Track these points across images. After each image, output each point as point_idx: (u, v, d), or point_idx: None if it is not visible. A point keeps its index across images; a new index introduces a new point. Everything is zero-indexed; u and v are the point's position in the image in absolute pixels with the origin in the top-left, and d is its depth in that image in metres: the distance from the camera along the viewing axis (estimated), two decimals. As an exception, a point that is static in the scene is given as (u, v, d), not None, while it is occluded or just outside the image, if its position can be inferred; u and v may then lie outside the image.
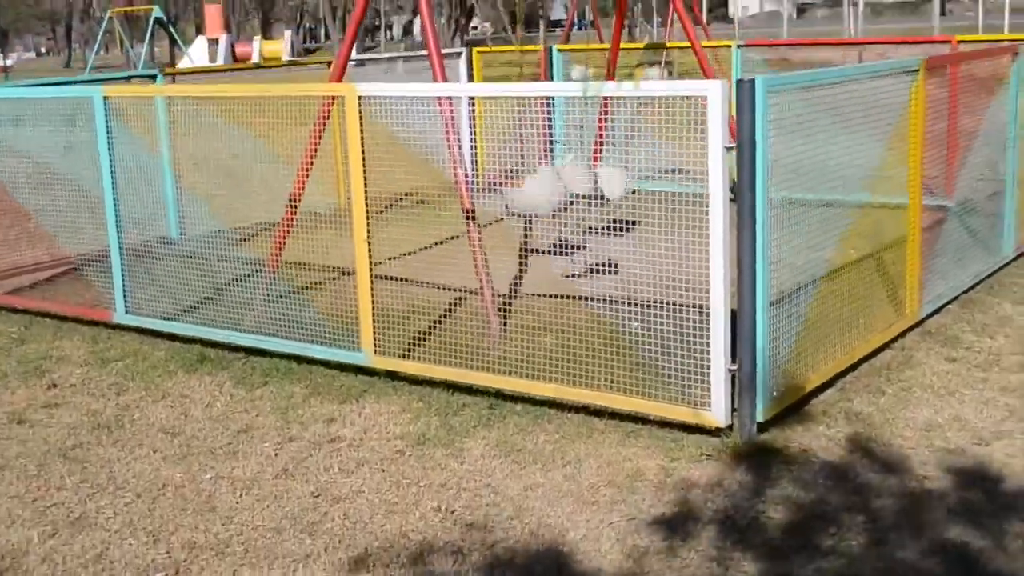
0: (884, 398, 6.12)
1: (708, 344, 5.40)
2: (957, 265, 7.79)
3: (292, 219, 8.17)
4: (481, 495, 5.17)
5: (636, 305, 6.21)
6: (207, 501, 5.23)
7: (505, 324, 7.23)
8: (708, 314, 5.38)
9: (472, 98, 9.54)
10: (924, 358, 6.73)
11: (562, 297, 7.23)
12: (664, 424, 5.75)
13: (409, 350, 6.77)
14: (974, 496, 4.97)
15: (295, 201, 8.03)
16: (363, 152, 6.30)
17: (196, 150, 8.85)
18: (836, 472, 5.24)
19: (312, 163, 8.03)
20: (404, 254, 7.90)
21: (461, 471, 5.42)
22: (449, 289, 7.95)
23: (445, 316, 7.58)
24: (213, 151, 8.97)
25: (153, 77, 9.97)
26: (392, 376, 6.68)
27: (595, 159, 10.89)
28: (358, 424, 6.07)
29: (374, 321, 6.51)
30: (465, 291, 7.89)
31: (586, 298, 6.66)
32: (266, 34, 62.85)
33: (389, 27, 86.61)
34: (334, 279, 8.36)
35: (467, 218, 7.41)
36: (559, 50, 12.57)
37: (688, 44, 10.72)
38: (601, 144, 11.03)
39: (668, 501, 5.03)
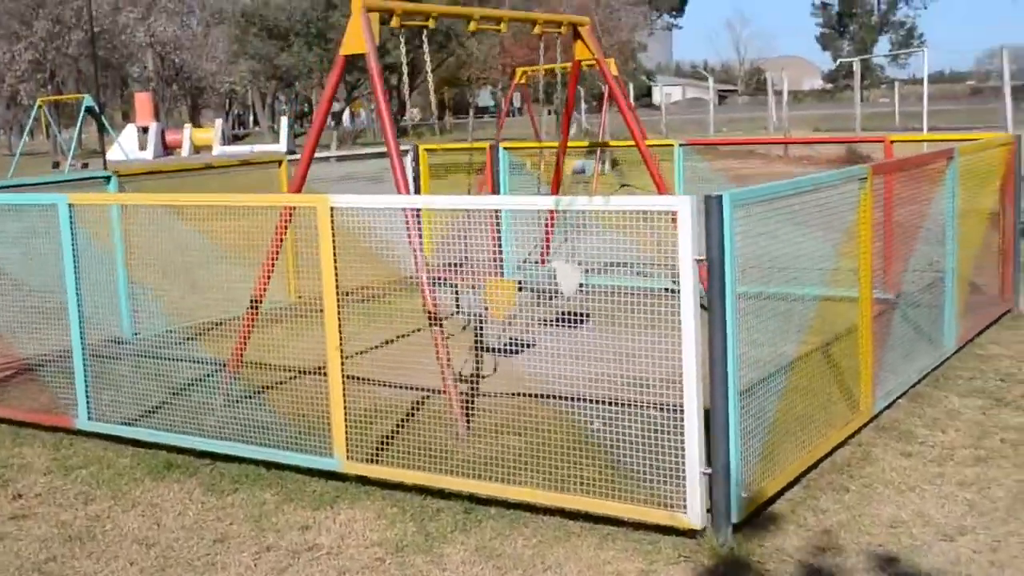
0: (848, 495, 6.25)
1: (683, 447, 5.49)
2: (905, 360, 8.01)
3: (253, 320, 8.18)
4: (468, 604, 5.19)
5: (605, 404, 6.32)
6: (192, 616, 5.19)
7: (469, 424, 7.28)
8: (681, 417, 5.47)
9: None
10: (881, 454, 6.89)
11: (528, 396, 7.28)
12: (639, 526, 5.81)
13: (379, 454, 6.78)
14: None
15: (257, 302, 8.06)
16: (335, 260, 6.35)
17: (155, 252, 8.88)
18: (816, 570, 5.34)
19: (273, 266, 8.08)
20: (365, 351, 7.97)
21: (444, 579, 5.44)
22: (414, 388, 7.99)
23: (412, 417, 7.62)
24: (171, 253, 8.99)
25: (107, 179, 9.97)
26: (362, 480, 6.67)
27: (542, 259, 11.07)
28: (334, 531, 6.04)
29: (346, 426, 6.52)
30: (430, 391, 7.94)
31: (555, 397, 6.74)
32: (195, 121, 62.80)
33: (307, 114, 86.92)
34: (296, 379, 8.38)
35: (430, 320, 7.47)
36: (504, 148, 12.77)
37: (632, 143, 10.93)
38: (548, 246, 11.23)
39: (652, 605, 5.09)
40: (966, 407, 7.77)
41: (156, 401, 8.10)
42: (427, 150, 13.28)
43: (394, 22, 8.19)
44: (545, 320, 9.41)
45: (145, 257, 9.18)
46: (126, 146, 44.65)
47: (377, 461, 6.68)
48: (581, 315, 8.52)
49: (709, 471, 5.50)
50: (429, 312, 7.48)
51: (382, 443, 6.98)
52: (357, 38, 7.84)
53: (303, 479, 6.79)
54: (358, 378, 7.62)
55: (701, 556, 5.48)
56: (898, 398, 7.83)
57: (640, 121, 11.01)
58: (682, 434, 5.49)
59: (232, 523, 6.23)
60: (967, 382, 8.38)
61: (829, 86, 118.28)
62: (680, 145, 11.87)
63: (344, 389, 6.52)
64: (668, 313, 5.61)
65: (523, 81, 24.38)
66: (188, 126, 53.19)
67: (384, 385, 7.85)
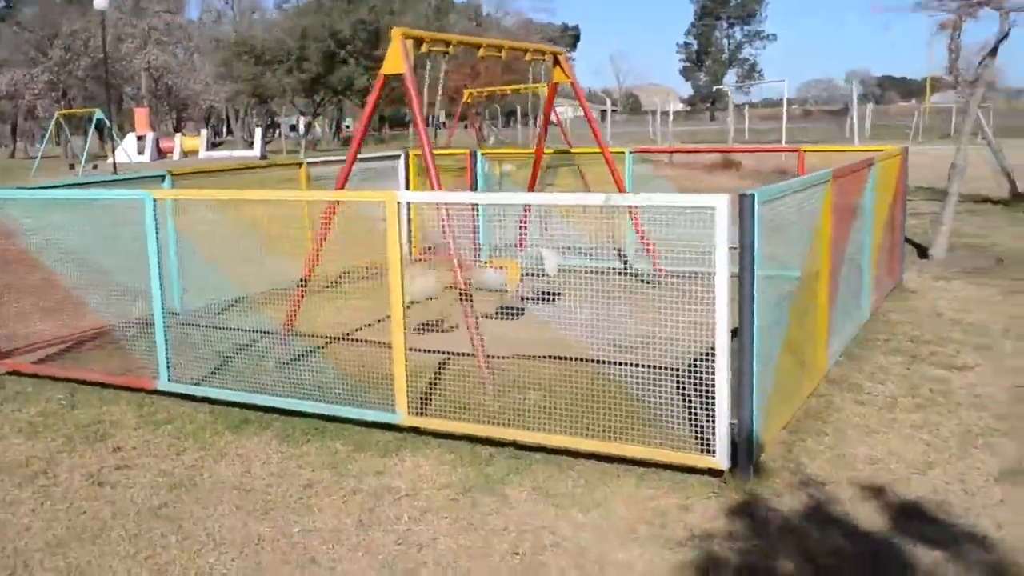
0: (827, 437, 6.02)
1: (714, 402, 5.20)
2: (842, 327, 7.83)
3: (303, 295, 7.72)
4: (541, 536, 4.83)
5: (647, 368, 6.05)
6: (305, 553, 4.74)
7: (494, 381, 6.94)
8: (714, 377, 5.18)
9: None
10: (840, 403, 6.69)
11: (577, 360, 6.93)
12: (668, 467, 5.52)
13: (431, 408, 6.39)
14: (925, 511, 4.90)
15: (306, 280, 7.61)
16: (400, 246, 5.93)
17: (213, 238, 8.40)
18: (823, 504, 5.09)
19: (322, 247, 7.62)
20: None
21: (514, 515, 5.06)
22: (446, 352, 7.63)
23: (455, 376, 7.20)
24: (225, 238, 8.51)
25: (162, 177, 9.35)
26: (416, 431, 6.27)
27: (520, 246, 10.74)
28: (405, 476, 5.64)
29: (407, 384, 6.11)
30: (459, 354, 7.56)
31: (602, 361, 6.43)
32: (178, 131, 61.32)
33: (277, 126, 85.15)
34: (346, 344, 7.97)
35: (461, 295, 7.08)
36: (483, 154, 12.35)
37: (597, 150, 10.60)
38: (524, 236, 10.89)
39: (699, 532, 4.79)
40: (892, 363, 7.62)
41: (226, 364, 7.61)
42: (415, 154, 12.77)
43: (423, 47, 7.77)
44: (526, 298, 9.16)
45: (203, 242, 8.66)
46: (128, 151, 43.15)
47: (426, 413, 6.28)
48: (554, 294, 8.27)
49: (735, 421, 5.22)
50: (460, 288, 7.08)
51: (428, 399, 6.60)
52: (396, 60, 7.39)
53: (365, 431, 6.35)
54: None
55: (729, 492, 5.20)
56: (839, 358, 7.65)
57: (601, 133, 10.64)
58: (713, 391, 5.20)
59: (314, 470, 5.78)
60: (884, 343, 8.24)
61: (689, 108, 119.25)
62: (630, 152, 11.56)
63: (406, 352, 6.10)
64: (700, 292, 5.33)
65: (467, 100, 23.90)
66: (179, 135, 51.75)
67: (418, 351, 7.44)
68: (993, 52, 12.18)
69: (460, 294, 7.09)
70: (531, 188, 10.93)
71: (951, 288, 10.64)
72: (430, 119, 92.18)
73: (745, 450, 5.22)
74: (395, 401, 6.13)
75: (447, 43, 8.07)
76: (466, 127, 42.43)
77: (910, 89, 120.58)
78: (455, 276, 7.09)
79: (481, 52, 8.66)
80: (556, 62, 9.99)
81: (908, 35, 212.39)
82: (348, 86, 33.54)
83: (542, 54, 9.75)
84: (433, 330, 8.26)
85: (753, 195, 4.99)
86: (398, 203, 5.85)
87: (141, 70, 55.41)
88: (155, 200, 6.78)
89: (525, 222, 10.99)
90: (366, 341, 8.07)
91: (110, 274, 8.30)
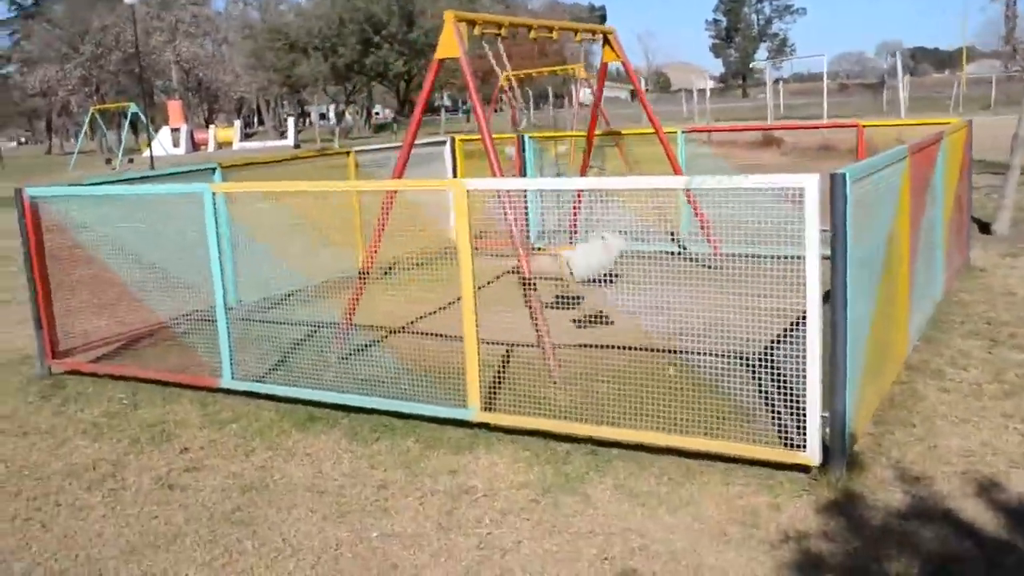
0: (916, 429, 5.78)
1: (805, 393, 4.98)
2: (919, 310, 7.55)
3: (362, 289, 7.57)
4: (630, 539, 4.64)
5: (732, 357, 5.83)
6: (385, 559, 4.58)
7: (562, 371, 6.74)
8: (803, 367, 4.96)
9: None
10: (924, 391, 6.43)
11: (653, 351, 6.74)
12: (750, 463, 5.31)
13: (503, 404, 6.21)
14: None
15: (366, 273, 7.46)
16: (469, 235, 5.74)
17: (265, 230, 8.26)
18: (921, 501, 4.86)
19: (380, 242, 7.45)
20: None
21: (599, 517, 4.88)
22: (506, 343, 7.44)
23: (520, 368, 7.02)
24: (278, 230, 8.39)
25: (213, 170, 9.24)
26: (486, 427, 6.09)
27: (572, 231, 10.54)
28: (481, 475, 5.47)
29: (480, 380, 5.93)
30: (521, 344, 7.38)
31: (681, 352, 6.22)
32: (209, 124, 61.73)
33: (308, 115, 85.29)
34: (412, 338, 7.82)
35: (524, 284, 6.90)
36: (529, 137, 12.13)
37: (651, 130, 10.35)
38: (575, 224, 10.70)
39: (794, 535, 4.58)
40: (972, 347, 7.34)
41: (286, 359, 7.48)
42: (462, 140, 12.59)
43: (476, 30, 7.56)
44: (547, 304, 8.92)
45: (256, 234, 8.50)
46: (164, 144, 43.34)
47: (494, 409, 6.09)
48: (577, 298, 8.06)
49: (827, 414, 5.00)
50: (525, 278, 6.89)
51: (495, 393, 6.42)
52: (450, 44, 7.19)
53: (435, 427, 6.19)
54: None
55: (820, 489, 4.98)
56: (916, 342, 7.39)
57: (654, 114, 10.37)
58: (803, 382, 4.98)
59: (386, 470, 5.63)
60: (961, 325, 7.96)
61: (721, 86, 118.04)
62: (683, 132, 11.28)
63: (479, 349, 5.92)
64: (787, 277, 5.10)
65: (503, 84, 23.63)
66: (212, 127, 51.94)
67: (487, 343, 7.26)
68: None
69: (523, 282, 6.90)
70: (582, 171, 10.70)
71: (1020, 265, 10.30)
72: (457, 104, 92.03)
73: (838, 445, 5.00)
74: (467, 396, 5.96)
75: (499, 25, 7.86)
76: (497, 111, 42.16)
77: (942, 60, 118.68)
78: (521, 263, 6.90)
79: (532, 34, 8.44)
80: (606, 41, 9.75)
81: (939, 5, 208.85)
82: (384, 71, 33.35)
83: (592, 34, 9.51)
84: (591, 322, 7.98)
85: (844, 174, 4.75)
86: (466, 191, 5.64)
87: (171, 63, 55.58)
88: (214, 193, 6.62)
89: (577, 207, 10.79)
90: (427, 334, 7.93)
91: (166, 269, 8.21)
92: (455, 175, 12.36)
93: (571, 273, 8.16)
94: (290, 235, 8.98)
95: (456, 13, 7.26)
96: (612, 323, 7.29)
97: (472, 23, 7.50)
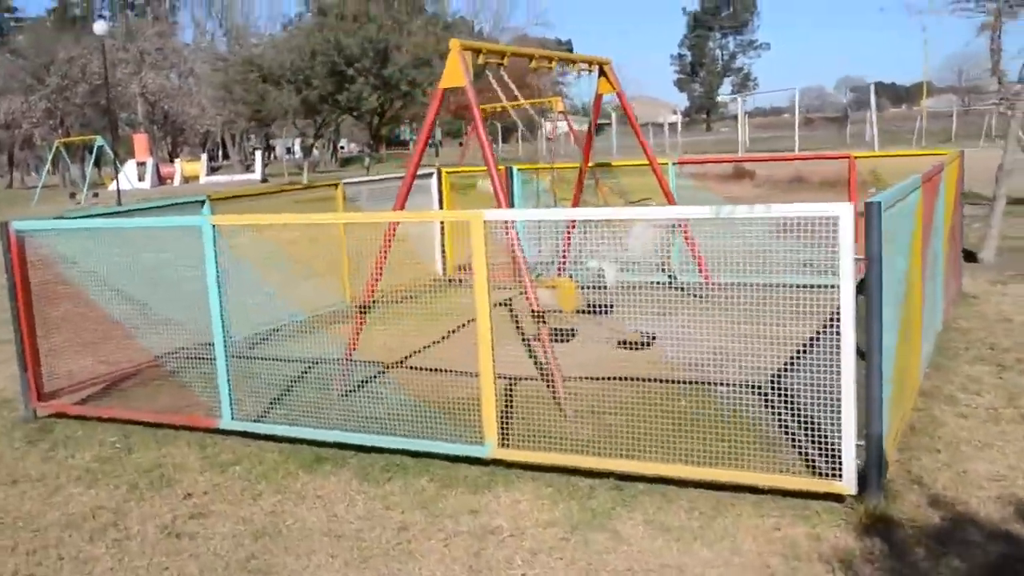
0: (941, 454, 5.70)
1: (840, 423, 4.88)
2: (927, 335, 7.52)
3: (361, 325, 7.40)
4: (669, 576, 4.50)
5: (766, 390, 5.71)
6: (418, 605, 4.40)
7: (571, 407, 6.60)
8: (839, 396, 4.86)
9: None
10: (942, 417, 6.37)
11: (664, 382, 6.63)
12: (781, 493, 5.19)
13: (515, 438, 6.04)
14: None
15: (367, 304, 7.30)
16: (486, 266, 5.61)
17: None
18: (961, 526, 4.76)
19: (381, 273, 7.30)
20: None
21: (633, 554, 4.73)
22: (508, 377, 7.30)
23: (528, 402, 6.88)
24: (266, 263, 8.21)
25: (201, 203, 9.05)
26: (501, 463, 5.92)
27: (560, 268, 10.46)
28: (503, 514, 5.29)
29: (497, 415, 5.77)
30: (526, 378, 7.25)
31: (709, 383, 6.10)
32: (173, 158, 61.35)
33: (273, 149, 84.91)
34: (417, 373, 7.65)
35: (536, 318, 6.77)
36: (518, 169, 12.05)
37: (640, 162, 10.30)
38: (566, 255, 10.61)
39: (839, 565, 4.45)
40: (980, 373, 7.31)
41: (286, 397, 7.28)
42: (448, 172, 12.47)
43: (480, 59, 7.48)
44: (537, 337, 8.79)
45: (245, 267, 8.33)
46: (129, 178, 42.88)
47: (508, 444, 5.92)
48: (571, 331, 7.97)
49: (863, 442, 4.90)
50: (534, 310, 6.76)
51: (506, 428, 6.24)
52: (455, 73, 7.10)
53: (449, 465, 6.00)
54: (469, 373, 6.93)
55: (858, 518, 4.87)
56: (925, 369, 7.34)
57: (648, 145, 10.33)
58: (838, 411, 4.88)
59: (403, 511, 5.43)
60: (965, 351, 7.93)
61: (686, 119, 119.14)
62: (673, 164, 11.25)
63: (495, 383, 5.77)
64: (818, 305, 5.02)
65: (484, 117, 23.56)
66: (179, 160, 51.54)
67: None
68: (1036, 49, 11.91)
69: (534, 314, 6.78)
70: (575, 203, 10.62)
71: (1010, 292, 10.35)
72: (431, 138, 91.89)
73: (875, 473, 4.90)
74: (483, 433, 5.80)
75: (502, 55, 7.79)
76: (460, 144, 42.23)
77: (899, 95, 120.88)
78: (528, 296, 6.78)
79: (533, 64, 8.38)
80: (602, 72, 9.71)
81: (897, 42, 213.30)
82: (356, 105, 33.24)
83: (588, 64, 9.48)
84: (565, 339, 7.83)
85: (879, 203, 4.69)
86: (484, 222, 5.52)
87: (137, 95, 55.14)
88: (214, 227, 6.44)
89: (569, 238, 10.69)
90: (431, 369, 7.76)
91: (156, 305, 8.00)
92: (441, 207, 12.23)
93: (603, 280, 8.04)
94: (280, 269, 8.82)
95: (462, 43, 7.18)
96: (655, 339, 7.21)
97: (477, 52, 7.42)
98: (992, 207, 12.05)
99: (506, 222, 6.63)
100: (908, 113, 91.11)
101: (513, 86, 7.78)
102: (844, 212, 4.66)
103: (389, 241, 7.18)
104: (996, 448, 5.78)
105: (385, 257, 7.23)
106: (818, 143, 50.98)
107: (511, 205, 12.04)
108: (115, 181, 35.05)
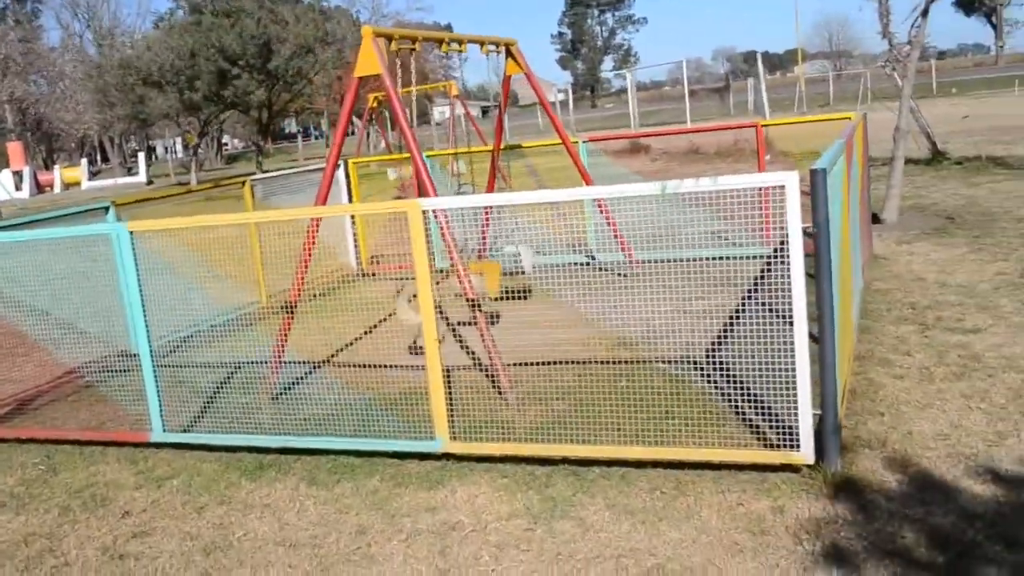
0: (885, 417, 5.80)
1: (794, 393, 4.91)
2: (853, 301, 7.66)
3: (289, 324, 7.17)
4: (642, 560, 4.44)
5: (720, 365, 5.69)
6: (392, 611, 4.26)
7: (519, 391, 6.52)
8: (792, 367, 4.88)
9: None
10: (879, 379, 6.49)
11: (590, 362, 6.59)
12: (737, 467, 5.21)
13: (461, 430, 5.91)
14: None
15: (292, 305, 7.07)
16: (428, 260, 5.46)
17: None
18: (917, 487, 4.84)
19: (307, 270, 7.08)
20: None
21: (602, 539, 4.67)
22: (452, 368, 7.17)
23: (469, 392, 6.76)
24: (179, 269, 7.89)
25: (106, 209, 8.64)
26: (450, 457, 5.80)
27: (480, 254, 10.38)
28: (463, 509, 5.17)
29: (448, 409, 5.64)
30: (464, 367, 7.13)
31: (663, 361, 6.08)
32: (49, 164, 58.96)
33: (154, 149, 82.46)
34: (356, 370, 7.45)
35: (472, 305, 6.66)
36: (427, 156, 11.85)
37: (551, 142, 10.26)
38: (485, 240, 10.56)
39: (807, 536, 4.48)
40: (906, 333, 7.49)
41: (215, 403, 7.01)
42: (355, 163, 12.21)
43: (393, 45, 7.29)
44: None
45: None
46: (6, 187, 40.97)
47: (457, 437, 5.79)
48: (495, 316, 7.96)
49: (819, 412, 4.94)
50: (468, 297, 6.65)
51: (452, 421, 6.11)
52: (370, 60, 6.90)
53: (397, 463, 5.85)
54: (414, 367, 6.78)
55: (818, 486, 4.91)
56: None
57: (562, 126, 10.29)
58: (790, 382, 4.90)
59: (358, 513, 5.27)
60: (888, 313, 8.13)
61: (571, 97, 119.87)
62: (583, 143, 11.24)
63: (446, 377, 5.64)
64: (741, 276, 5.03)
65: (374, 105, 23.30)
66: (57, 167, 49.48)
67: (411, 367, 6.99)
68: (924, 13, 12.27)
69: (469, 303, 6.66)
70: (490, 188, 10.51)
71: (918, 251, 10.66)
72: (312, 130, 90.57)
73: (832, 441, 4.94)
74: (434, 428, 5.66)
75: (414, 39, 7.61)
76: (351, 133, 41.71)
77: (773, 63, 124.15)
78: (461, 284, 6.66)
79: (444, 47, 8.22)
80: (509, 54, 9.61)
81: (769, 11, 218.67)
82: (243, 100, 32.33)
83: (496, 45, 9.36)
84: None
85: (824, 169, 4.71)
86: (422, 211, 5.37)
87: (3, 102, 52.67)
88: (131, 233, 6.13)
89: (487, 223, 10.61)
90: (362, 365, 7.59)
91: (65, 317, 7.63)
92: (350, 199, 11.98)
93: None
94: (193, 272, 8.49)
95: (374, 28, 6.98)
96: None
97: (389, 38, 7.23)
98: (891, 167, 12.38)
99: (442, 211, 6.51)
100: (784, 80, 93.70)
101: (413, 72, 7.62)
102: (790, 181, 4.67)
103: (313, 237, 6.97)
104: (936, 407, 5.90)
105: (310, 254, 7.01)
106: (705, 113, 51.97)
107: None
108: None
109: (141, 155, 49.13)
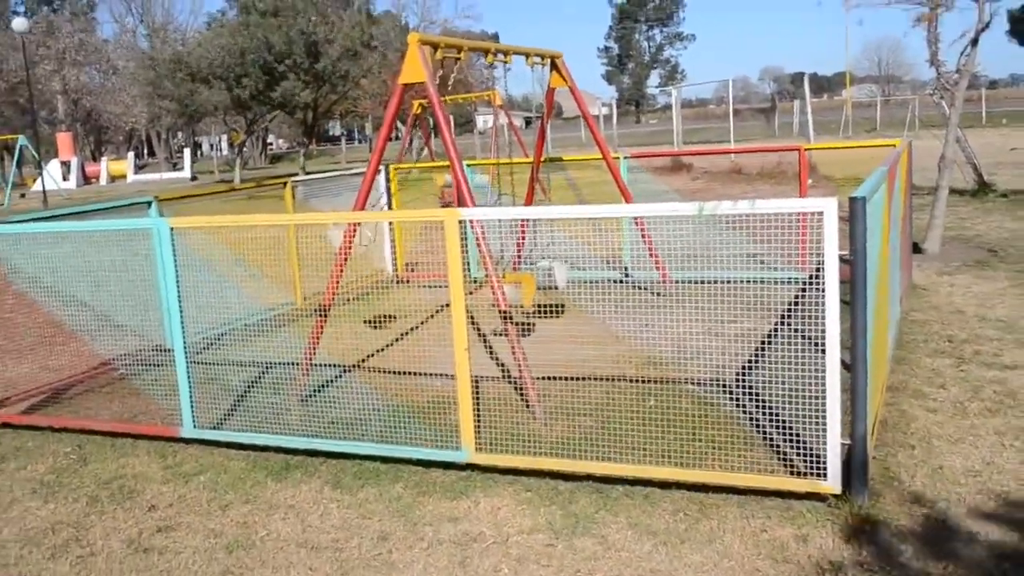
0: (916, 451, 5.73)
1: (824, 422, 4.86)
2: (889, 331, 7.58)
3: (322, 327, 7.21)
4: (662, 582, 4.43)
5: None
6: (408, 619, 4.27)
7: (542, 409, 6.51)
8: (823, 395, 4.84)
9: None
10: (911, 411, 6.42)
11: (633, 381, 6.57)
12: (763, 494, 5.16)
13: (487, 441, 5.91)
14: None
15: (327, 307, 7.12)
16: (462, 269, 5.48)
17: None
18: (945, 525, 4.77)
19: (342, 274, 7.13)
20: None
21: (622, 559, 4.65)
22: (482, 378, 7.19)
23: (497, 404, 6.77)
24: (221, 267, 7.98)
25: (148, 204, 8.76)
26: (476, 468, 5.81)
27: (516, 266, 10.39)
28: (485, 520, 5.17)
29: (475, 420, 5.65)
30: (494, 378, 7.15)
31: (693, 382, 6.06)
32: (97, 156, 59.80)
33: (200, 146, 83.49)
34: (390, 377, 7.49)
35: (503, 316, 6.67)
36: (468, 165, 11.90)
37: (593, 156, 10.26)
38: (520, 252, 10.58)
39: (829, 567, 4.43)
40: (942, 366, 7.40)
41: (245, 402, 7.08)
42: (396, 169, 12.29)
43: (438, 54, 7.33)
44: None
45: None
46: (54, 178, 41.59)
47: (482, 449, 5.79)
48: (529, 325, 7.94)
49: (848, 442, 4.89)
50: (501, 309, 6.65)
51: (478, 431, 6.12)
52: (415, 68, 6.94)
53: (422, 471, 5.87)
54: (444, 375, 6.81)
55: (844, 518, 4.86)
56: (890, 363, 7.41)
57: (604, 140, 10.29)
58: (820, 409, 4.86)
59: (381, 519, 5.28)
60: (924, 344, 8.03)
61: (616, 111, 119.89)
62: (625, 158, 11.22)
63: (474, 388, 5.65)
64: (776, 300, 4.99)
65: (418, 112, 23.41)
66: (104, 159, 50.20)
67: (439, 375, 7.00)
68: (974, 42, 12.14)
69: (501, 314, 6.67)
70: (529, 200, 10.53)
71: (958, 283, 10.53)
72: (356, 133, 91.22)
73: (860, 472, 4.89)
74: (460, 438, 5.67)
75: (459, 49, 7.65)
76: (395, 138, 41.95)
77: (820, 85, 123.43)
78: (495, 295, 6.67)
79: (489, 58, 8.25)
80: (554, 66, 9.63)
81: (819, 32, 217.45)
82: (290, 100, 32.63)
83: (541, 58, 9.39)
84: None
85: (864, 198, 4.67)
86: (459, 221, 5.39)
87: (58, 93, 53.59)
88: (172, 229, 6.20)
89: (523, 236, 10.63)
90: (396, 372, 7.62)
91: (107, 310, 7.74)
92: (390, 205, 12.05)
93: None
94: (231, 271, 8.58)
95: (420, 36, 7.02)
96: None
97: (435, 47, 7.27)
98: (936, 197, 12.24)
99: (479, 222, 6.53)
100: (831, 103, 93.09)
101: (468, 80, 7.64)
102: (829, 207, 4.64)
103: (350, 241, 7.02)
104: (968, 442, 5.83)
105: (346, 258, 7.06)
106: (748, 133, 51.71)
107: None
108: (39, 181, 33.95)
109: (187, 151, 49.76)
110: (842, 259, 4.71)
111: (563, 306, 7.97)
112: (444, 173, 20.32)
